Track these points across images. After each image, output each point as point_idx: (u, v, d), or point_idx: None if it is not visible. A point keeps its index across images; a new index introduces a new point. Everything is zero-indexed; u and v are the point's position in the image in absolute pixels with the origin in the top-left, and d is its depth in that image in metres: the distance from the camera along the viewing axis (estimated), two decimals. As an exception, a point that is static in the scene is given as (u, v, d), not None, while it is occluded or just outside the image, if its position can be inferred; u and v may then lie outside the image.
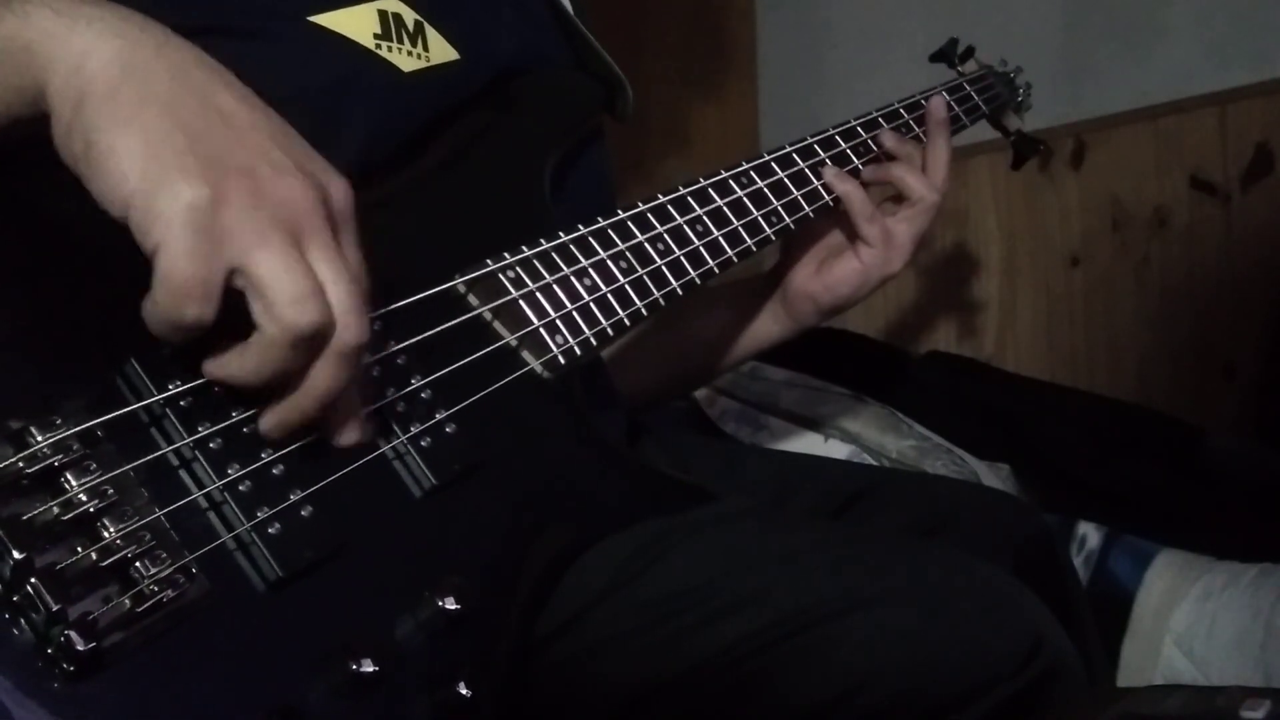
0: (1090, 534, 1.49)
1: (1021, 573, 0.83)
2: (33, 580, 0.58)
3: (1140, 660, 1.38)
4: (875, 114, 1.15)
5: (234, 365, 0.64)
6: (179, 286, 0.59)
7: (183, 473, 0.65)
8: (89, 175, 0.60)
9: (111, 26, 0.62)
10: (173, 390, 0.65)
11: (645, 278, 0.90)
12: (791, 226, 1.03)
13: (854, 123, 1.13)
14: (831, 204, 1.07)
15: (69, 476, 0.61)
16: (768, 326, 1.15)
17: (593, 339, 0.85)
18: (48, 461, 0.60)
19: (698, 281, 0.93)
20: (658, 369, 1.18)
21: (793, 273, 1.12)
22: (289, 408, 0.66)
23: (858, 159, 1.10)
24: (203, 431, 0.66)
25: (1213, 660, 1.33)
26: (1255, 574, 1.37)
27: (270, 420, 0.66)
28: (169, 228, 0.59)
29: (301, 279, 0.61)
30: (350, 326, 0.63)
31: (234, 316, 0.62)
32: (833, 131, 1.10)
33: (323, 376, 0.64)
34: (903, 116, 1.17)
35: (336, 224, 0.65)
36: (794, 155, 1.05)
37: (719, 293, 1.16)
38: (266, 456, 0.67)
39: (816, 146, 1.08)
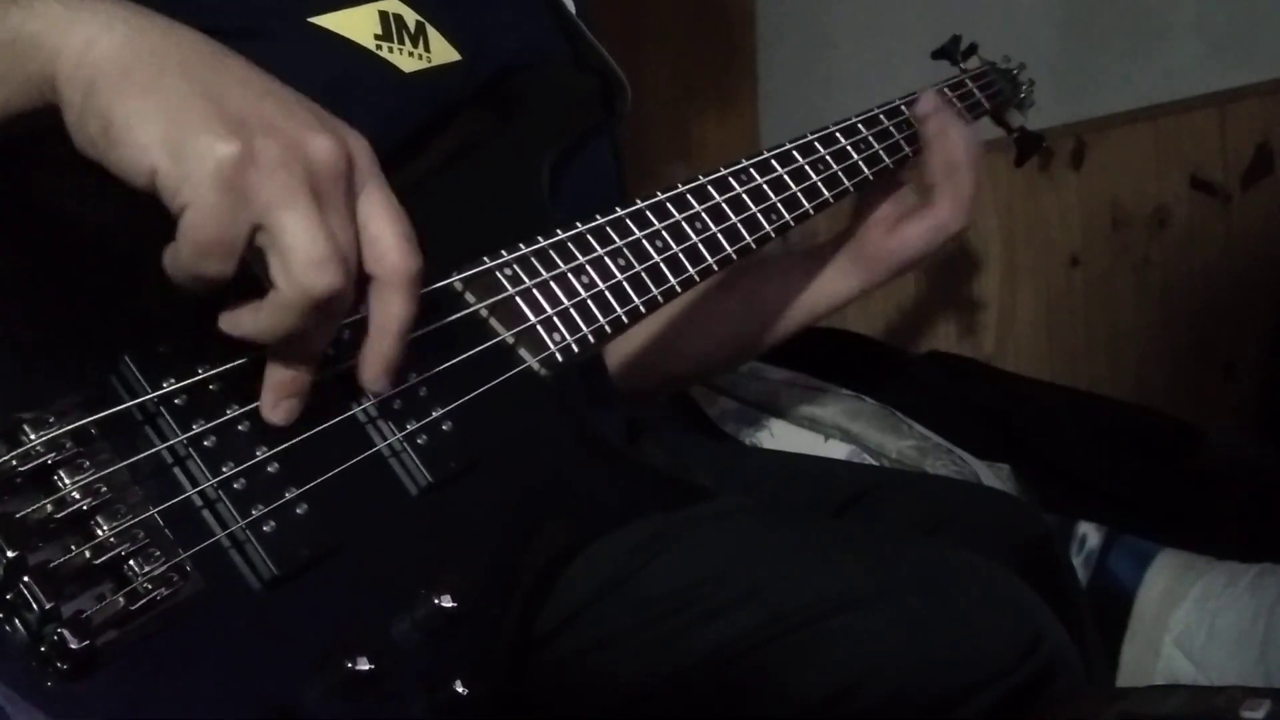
0: (1090, 534, 1.49)
1: (1021, 573, 0.82)
2: (26, 579, 0.57)
3: (1140, 660, 1.37)
4: (877, 110, 1.15)
5: (248, 322, 0.64)
6: (203, 243, 0.59)
7: (177, 470, 0.65)
8: (109, 151, 0.60)
9: (117, 15, 0.62)
10: (167, 388, 0.65)
11: (643, 274, 0.89)
12: (791, 224, 1.02)
13: (855, 119, 1.12)
14: (874, 177, 1.10)
15: (62, 474, 0.60)
16: (839, 286, 1.18)
17: (590, 336, 0.85)
18: (41, 459, 0.60)
19: (696, 279, 0.93)
20: (723, 335, 1.21)
21: (866, 234, 1.15)
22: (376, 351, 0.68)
23: (877, 147, 1.13)
24: (197, 429, 0.65)
25: (1213, 660, 1.32)
26: (1255, 574, 1.37)
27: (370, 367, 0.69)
28: (197, 186, 0.59)
29: (323, 242, 0.61)
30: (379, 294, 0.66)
31: (254, 271, 0.62)
32: (834, 129, 1.10)
33: (395, 307, 0.67)
34: (904, 114, 1.17)
35: (362, 181, 0.65)
36: (794, 152, 1.05)
37: (782, 259, 1.22)
38: (261, 454, 0.67)
39: (817, 144, 1.07)
